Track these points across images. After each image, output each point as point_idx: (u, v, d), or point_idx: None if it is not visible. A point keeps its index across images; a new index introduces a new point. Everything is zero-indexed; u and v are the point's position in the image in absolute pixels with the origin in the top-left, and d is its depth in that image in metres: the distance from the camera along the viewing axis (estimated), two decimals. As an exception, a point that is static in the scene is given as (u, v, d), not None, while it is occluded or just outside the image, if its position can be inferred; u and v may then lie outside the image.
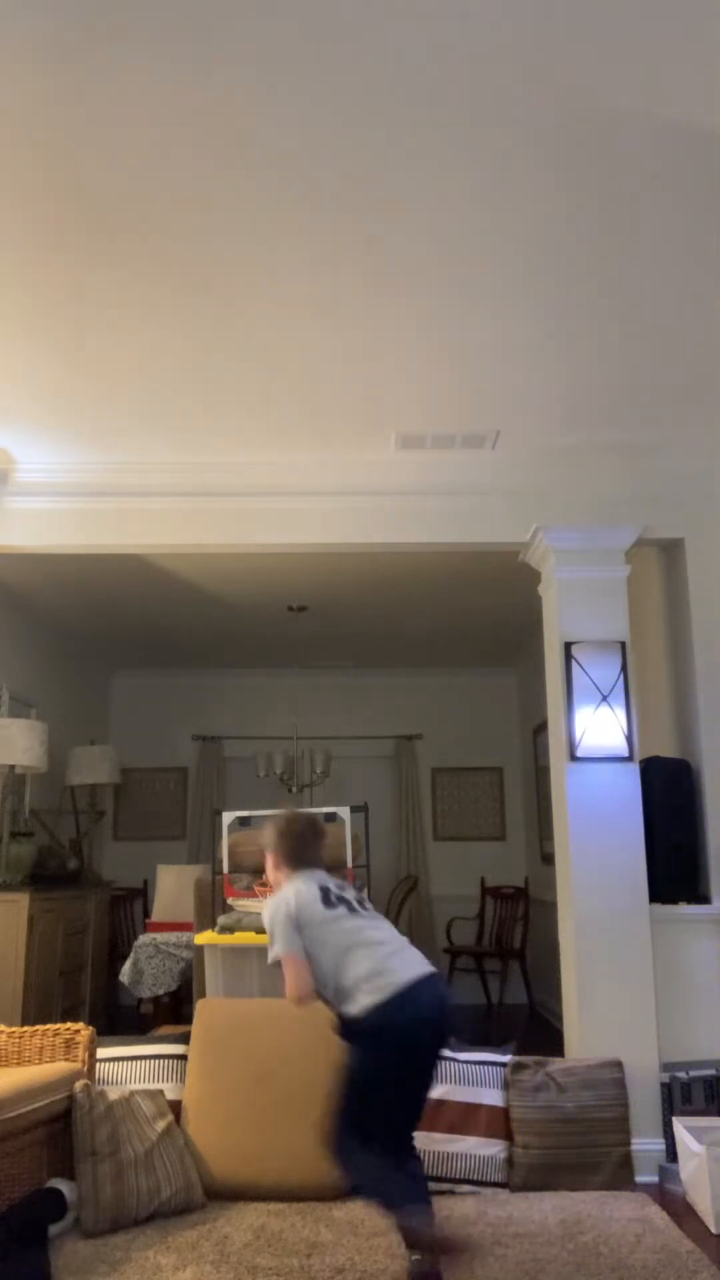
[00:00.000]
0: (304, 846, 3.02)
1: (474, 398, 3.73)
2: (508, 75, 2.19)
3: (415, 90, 2.23)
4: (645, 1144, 3.71)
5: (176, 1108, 3.52)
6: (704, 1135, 3.43)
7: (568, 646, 4.17)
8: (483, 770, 8.50)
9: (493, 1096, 3.54)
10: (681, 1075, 3.79)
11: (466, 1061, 3.61)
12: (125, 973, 5.32)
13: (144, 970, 5.35)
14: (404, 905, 6.65)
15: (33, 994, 4.94)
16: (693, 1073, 3.80)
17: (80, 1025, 3.55)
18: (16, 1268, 2.72)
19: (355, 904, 2.87)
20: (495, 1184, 3.42)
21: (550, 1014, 7.03)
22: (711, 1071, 3.82)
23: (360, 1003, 2.65)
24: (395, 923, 6.26)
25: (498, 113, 2.30)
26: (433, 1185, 3.37)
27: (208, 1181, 3.33)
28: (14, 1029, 3.57)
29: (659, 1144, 3.73)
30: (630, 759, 4.07)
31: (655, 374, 3.55)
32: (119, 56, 2.14)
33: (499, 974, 7.88)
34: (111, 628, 7.05)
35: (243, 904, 4.34)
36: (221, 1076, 3.49)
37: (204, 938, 4.14)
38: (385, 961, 2.71)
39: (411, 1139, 2.79)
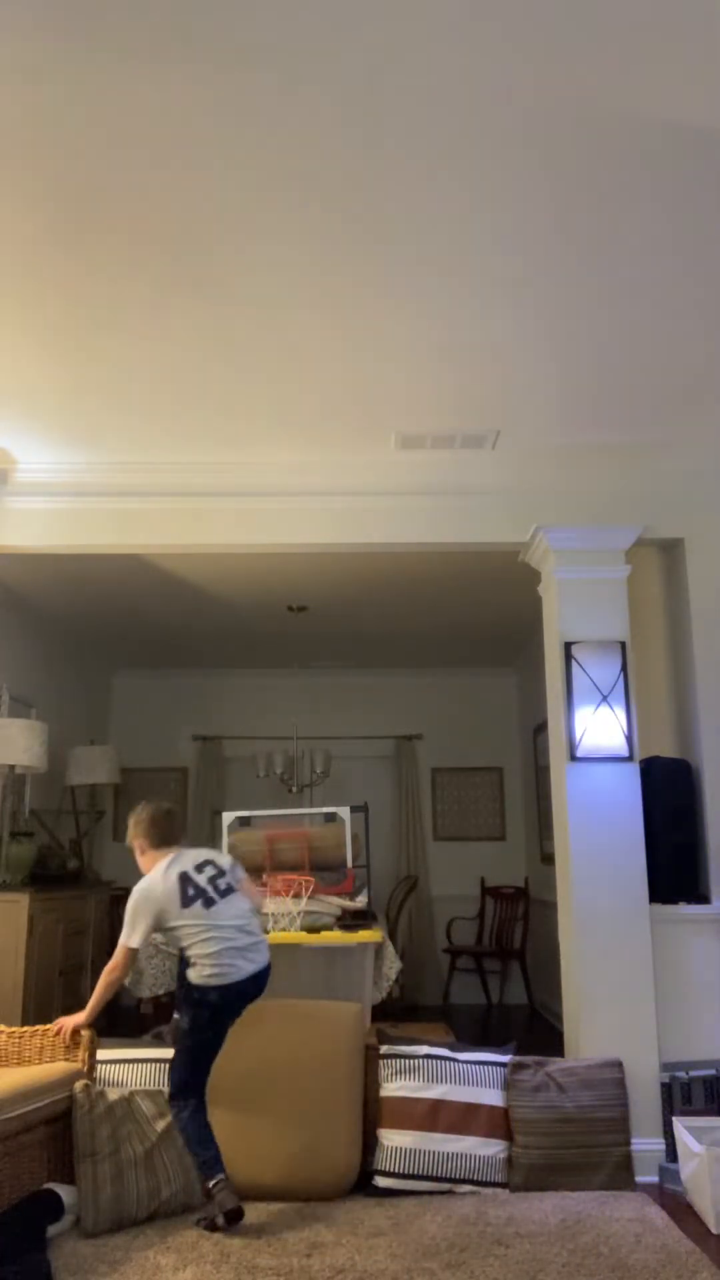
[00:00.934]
0: (164, 829, 3.57)
1: (474, 398, 3.73)
2: (507, 75, 2.19)
3: (414, 89, 2.23)
4: (645, 1144, 3.72)
5: (176, 1108, 3.52)
6: (704, 1135, 3.44)
7: (568, 646, 4.17)
8: (483, 770, 8.50)
9: (493, 1096, 3.54)
10: (681, 1075, 3.79)
11: (466, 1061, 3.61)
12: (125, 973, 5.31)
13: (144, 970, 5.34)
14: (404, 905, 6.66)
15: (32, 994, 4.94)
16: (693, 1073, 3.80)
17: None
18: (16, 1268, 2.72)
19: (213, 892, 3.38)
20: (495, 1184, 3.42)
21: (550, 1014, 7.03)
22: (711, 1071, 3.82)
23: (202, 974, 3.28)
24: (395, 923, 6.27)
25: (497, 113, 2.30)
26: (433, 1185, 3.38)
27: (208, 1181, 3.33)
28: (14, 1029, 3.57)
29: (659, 1144, 3.73)
30: (630, 759, 4.07)
31: (655, 374, 3.55)
32: (117, 58, 2.14)
33: (499, 974, 7.88)
34: (111, 628, 7.05)
35: (243, 904, 4.34)
36: (221, 1077, 3.49)
37: (204, 938, 4.13)
38: (227, 950, 3.30)
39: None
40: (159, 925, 3.34)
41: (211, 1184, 3.08)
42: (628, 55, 2.14)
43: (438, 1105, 3.49)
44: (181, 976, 3.37)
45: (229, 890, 3.41)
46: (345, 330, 3.25)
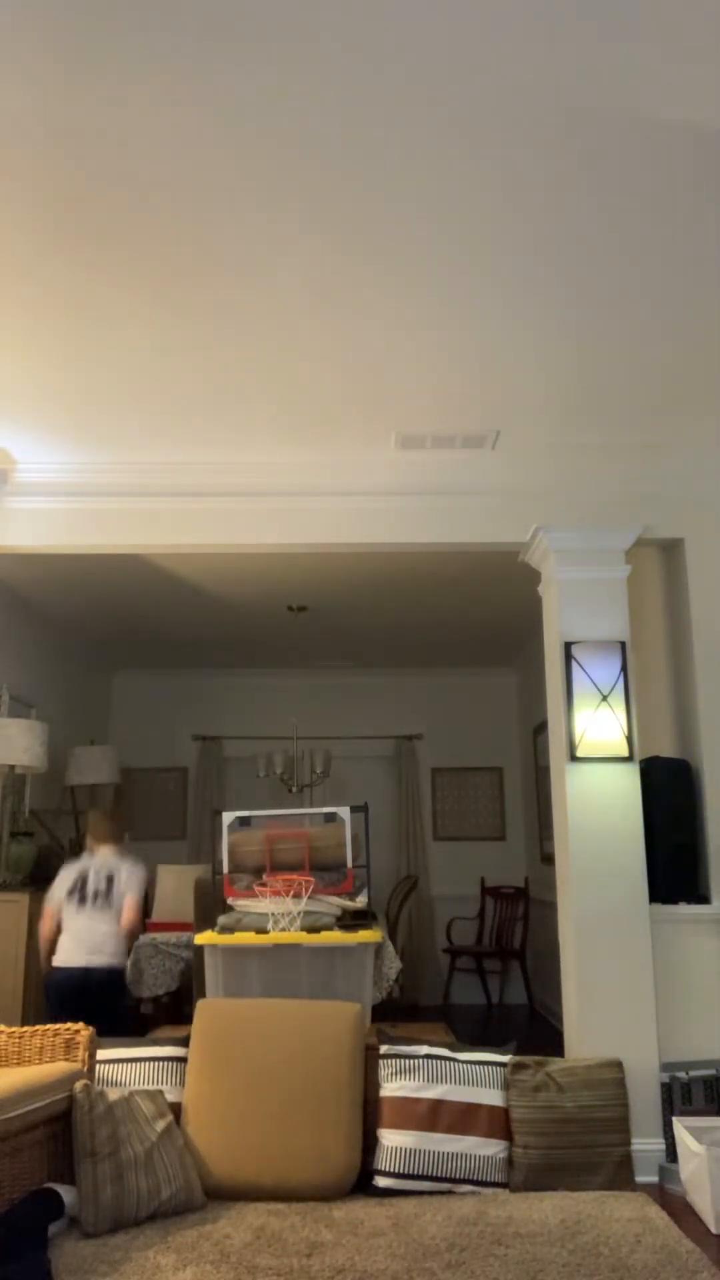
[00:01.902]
0: (97, 829, 4.62)
1: (474, 398, 3.73)
2: (512, 72, 2.19)
3: (417, 88, 2.23)
4: (645, 1144, 3.72)
5: (176, 1109, 3.53)
6: (704, 1135, 3.44)
7: (568, 646, 4.17)
8: (483, 770, 8.50)
9: (493, 1096, 3.54)
10: (681, 1075, 3.79)
11: (466, 1061, 3.61)
12: (125, 972, 5.32)
13: (144, 970, 5.34)
14: (404, 905, 6.65)
15: (33, 994, 4.95)
16: (693, 1073, 3.80)
17: (80, 1025, 3.55)
18: (17, 1268, 2.72)
19: (90, 898, 4.42)
20: (495, 1184, 3.42)
21: (550, 1014, 7.03)
22: (711, 1071, 3.82)
23: (55, 958, 4.37)
24: (395, 923, 6.27)
25: (499, 112, 2.30)
26: (433, 1185, 3.38)
27: (208, 1181, 3.33)
28: (14, 1029, 3.57)
29: (659, 1144, 3.73)
30: (630, 759, 4.07)
31: (655, 374, 3.55)
32: (116, 57, 2.14)
33: (499, 974, 7.88)
34: (111, 628, 7.05)
35: (243, 904, 4.34)
36: (221, 1077, 3.50)
37: (204, 938, 4.15)
38: (71, 938, 4.36)
39: None
40: (55, 898, 4.46)
41: None
42: (628, 56, 2.14)
43: (438, 1105, 3.49)
44: None
45: (105, 905, 4.40)
46: (345, 331, 3.25)
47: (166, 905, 5.94)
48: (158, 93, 2.24)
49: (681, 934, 3.97)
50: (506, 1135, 3.50)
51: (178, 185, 2.54)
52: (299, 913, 4.16)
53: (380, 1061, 3.62)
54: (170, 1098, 3.55)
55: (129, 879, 4.47)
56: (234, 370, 3.51)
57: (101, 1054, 3.65)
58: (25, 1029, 3.58)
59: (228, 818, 4.68)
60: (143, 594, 6.15)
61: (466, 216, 2.67)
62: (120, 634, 7.24)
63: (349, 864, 4.48)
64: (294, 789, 7.40)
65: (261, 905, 4.23)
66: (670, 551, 4.48)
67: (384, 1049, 3.64)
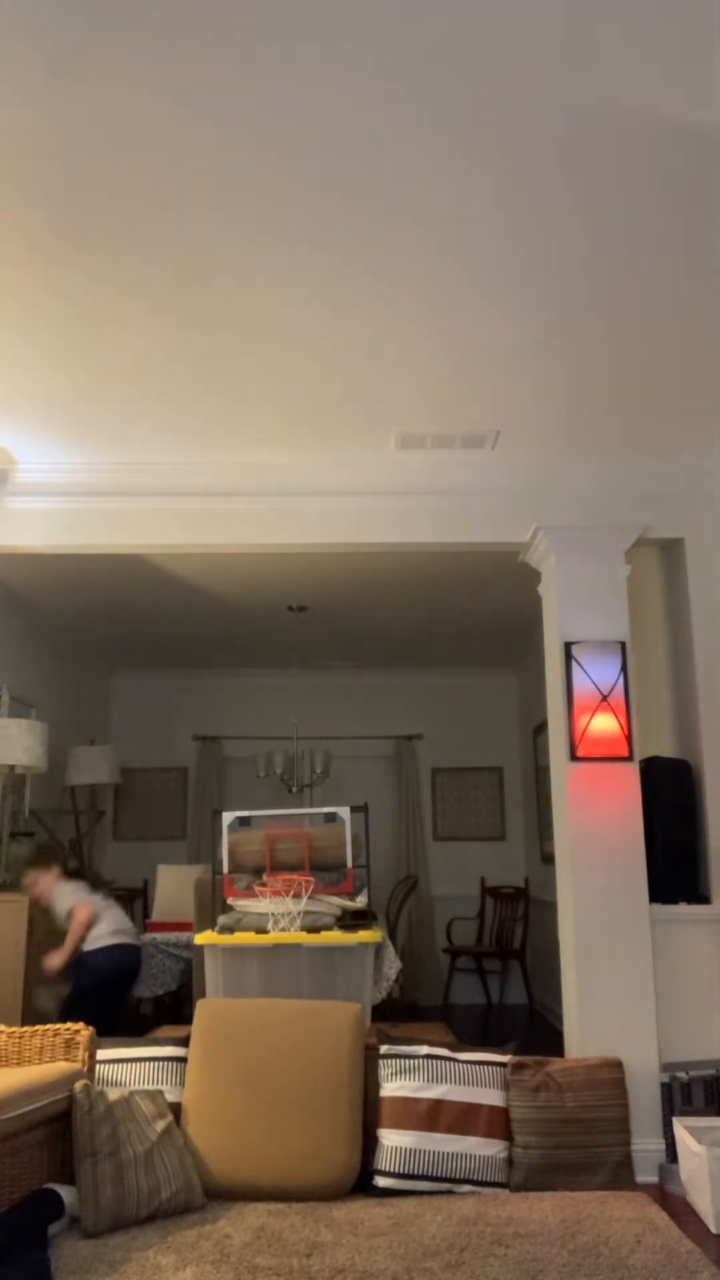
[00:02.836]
0: (43, 877, 5.06)
1: (474, 398, 3.73)
2: (512, 76, 2.19)
3: (414, 92, 2.23)
4: (645, 1144, 3.72)
5: (176, 1109, 3.53)
6: (704, 1135, 3.44)
7: (568, 646, 4.17)
8: (483, 770, 8.50)
9: (493, 1096, 3.54)
10: (681, 1075, 3.79)
11: (466, 1061, 3.61)
12: (125, 972, 5.32)
13: (144, 970, 5.35)
14: (404, 905, 6.65)
15: (33, 994, 4.94)
16: (693, 1073, 3.81)
17: (80, 1025, 3.55)
18: (17, 1268, 2.72)
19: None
20: (495, 1184, 3.42)
21: (550, 1014, 7.03)
22: (711, 1071, 3.82)
23: (113, 939, 4.96)
24: (395, 923, 6.27)
25: (499, 113, 2.30)
26: (433, 1185, 3.38)
27: (208, 1181, 3.33)
28: (14, 1029, 3.57)
29: (659, 1144, 3.73)
30: (630, 759, 4.07)
31: (655, 374, 3.55)
32: (117, 59, 2.14)
33: (499, 974, 7.88)
34: (111, 628, 7.05)
35: (243, 904, 4.34)
36: (221, 1076, 3.49)
37: (204, 938, 4.15)
38: (123, 925, 5.00)
39: None
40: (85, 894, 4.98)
41: None
42: (635, 55, 2.14)
43: (438, 1105, 3.49)
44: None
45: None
46: (345, 331, 3.25)
47: (166, 905, 5.94)
48: (158, 95, 2.24)
49: (681, 934, 3.97)
50: (506, 1135, 3.50)
51: (179, 188, 2.54)
52: (299, 913, 4.16)
53: (380, 1061, 3.61)
54: (170, 1098, 3.55)
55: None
56: (234, 370, 3.51)
57: (101, 1054, 3.65)
58: (25, 1029, 3.58)
59: (228, 818, 4.68)
60: (143, 594, 6.15)
61: (465, 217, 2.67)
62: (120, 634, 7.25)
63: (349, 864, 4.48)
64: (294, 789, 7.40)
65: (261, 905, 4.23)
66: (670, 551, 4.48)
67: (384, 1049, 3.64)
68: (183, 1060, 3.65)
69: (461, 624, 6.98)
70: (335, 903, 4.35)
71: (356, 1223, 3.10)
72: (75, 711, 7.53)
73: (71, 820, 7.14)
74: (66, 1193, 3.13)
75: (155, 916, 5.96)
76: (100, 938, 4.86)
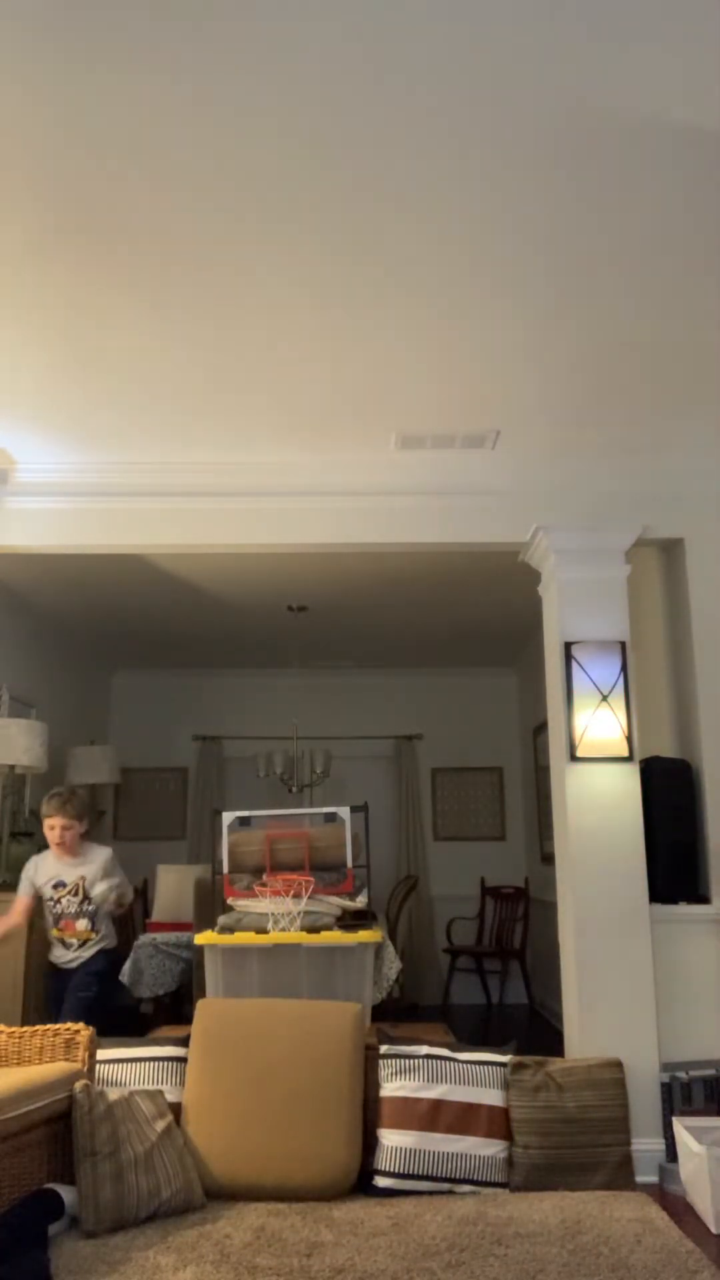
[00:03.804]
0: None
1: (474, 398, 3.73)
2: (510, 75, 2.19)
3: (415, 93, 2.23)
4: (645, 1144, 3.72)
5: (176, 1110, 3.53)
6: (704, 1135, 3.44)
7: (568, 646, 4.17)
8: (483, 770, 8.50)
9: (493, 1096, 3.54)
10: (681, 1075, 3.79)
11: (466, 1061, 3.61)
12: (125, 973, 5.32)
13: (144, 970, 5.35)
14: (404, 905, 6.65)
15: (33, 994, 4.94)
16: (693, 1073, 3.80)
17: (80, 1025, 3.55)
18: (17, 1268, 2.72)
19: None
20: (495, 1184, 3.42)
21: (550, 1014, 7.03)
22: (711, 1071, 3.82)
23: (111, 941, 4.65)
24: (395, 923, 6.27)
25: (498, 111, 2.30)
26: (433, 1185, 3.38)
27: (208, 1181, 3.33)
28: (14, 1029, 3.57)
29: (659, 1144, 3.73)
30: (630, 759, 4.07)
31: (655, 374, 3.55)
32: (113, 58, 2.14)
33: (499, 974, 7.88)
34: (111, 628, 7.05)
35: (243, 904, 4.34)
36: (221, 1077, 3.50)
37: (204, 938, 4.15)
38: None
39: None
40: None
41: None
42: (628, 56, 2.14)
43: (438, 1105, 3.49)
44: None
45: None
46: (345, 331, 3.25)
47: (166, 905, 5.94)
48: (159, 93, 2.24)
49: (681, 934, 3.97)
50: (506, 1135, 3.50)
51: (179, 187, 2.54)
52: (299, 913, 4.16)
53: (380, 1061, 3.62)
54: (170, 1098, 3.55)
55: None
56: (234, 370, 3.51)
57: (101, 1054, 3.65)
58: (25, 1029, 3.58)
59: (228, 818, 4.68)
60: (143, 594, 6.15)
61: (466, 217, 2.67)
62: (120, 634, 7.24)
63: (349, 864, 4.48)
64: (294, 789, 7.39)
65: (261, 905, 4.23)
66: (670, 551, 4.48)
67: (384, 1049, 3.64)
68: (183, 1060, 3.65)
69: (461, 624, 6.98)
70: (335, 903, 4.35)
71: (356, 1223, 3.10)
72: (75, 711, 7.53)
73: (71, 820, 7.13)
74: (67, 1193, 3.14)
75: (155, 916, 5.95)
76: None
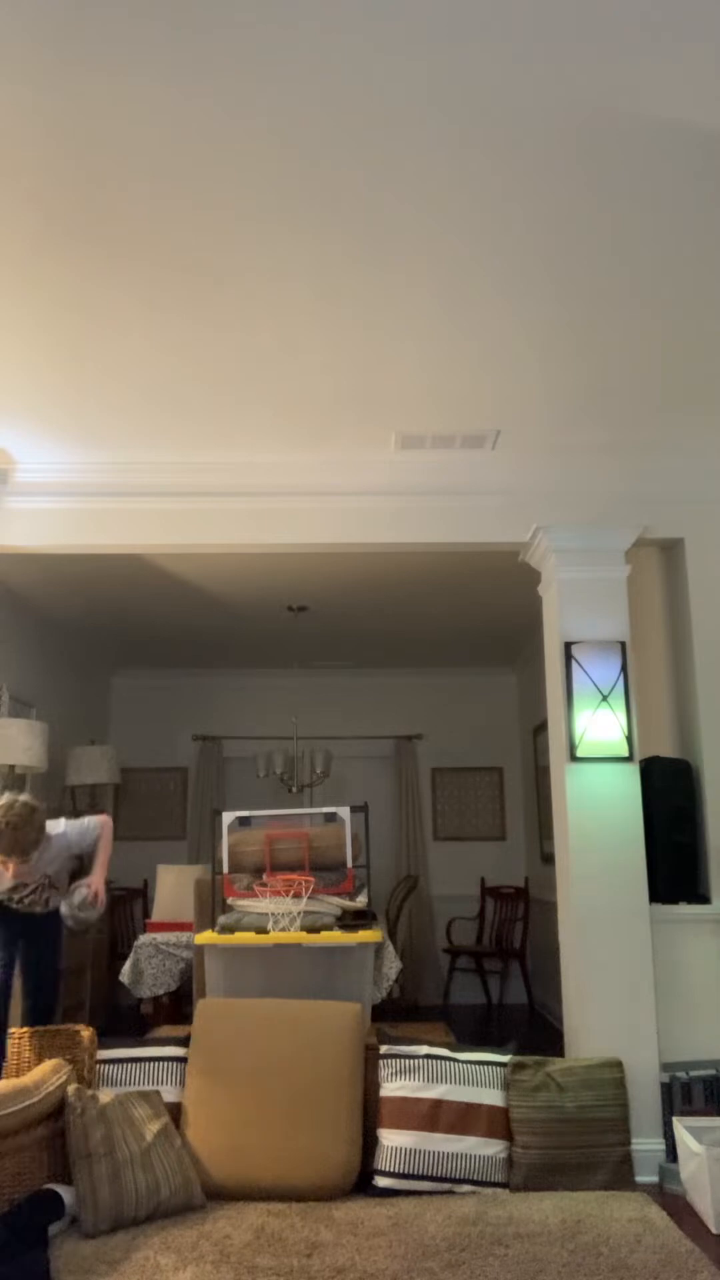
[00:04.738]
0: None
1: (474, 398, 3.73)
2: (510, 76, 2.19)
3: (417, 92, 2.23)
4: (645, 1144, 3.72)
5: (176, 1110, 3.53)
6: (704, 1135, 3.44)
7: (568, 646, 4.17)
8: (483, 770, 8.50)
9: (493, 1096, 3.54)
10: (681, 1075, 3.79)
11: (466, 1061, 3.61)
12: (125, 973, 5.32)
13: (144, 970, 5.35)
14: (404, 905, 6.65)
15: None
16: (693, 1073, 3.80)
17: (80, 1026, 3.55)
18: (18, 1268, 2.72)
19: None
20: (495, 1184, 3.42)
21: (550, 1014, 7.03)
22: (711, 1071, 3.82)
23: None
24: (395, 923, 6.27)
25: (498, 113, 2.30)
26: (433, 1185, 3.38)
27: (207, 1181, 3.33)
28: (13, 1029, 3.57)
29: (659, 1144, 3.73)
30: (630, 759, 4.07)
31: (655, 374, 3.55)
32: (115, 58, 2.14)
33: (499, 974, 7.88)
34: (111, 628, 7.05)
35: (243, 904, 4.34)
36: (221, 1077, 3.50)
37: (204, 938, 4.14)
38: None
39: None
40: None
41: None
42: (628, 55, 2.14)
43: (438, 1105, 3.49)
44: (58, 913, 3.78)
45: None
46: (345, 331, 3.25)
47: (166, 905, 5.94)
48: (159, 93, 2.24)
49: (681, 934, 3.97)
50: (506, 1135, 3.49)
51: (178, 186, 2.54)
52: (299, 913, 4.16)
53: (380, 1061, 3.62)
54: (170, 1098, 3.55)
55: None
56: (234, 370, 3.51)
57: (101, 1054, 3.65)
58: (25, 1029, 3.58)
59: (228, 818, 4.68)
60: (143, 594, 6.15)
61: (466, 217, 2.67)
62: (120, 634, 7.24)
63: (349, 864, 4.47)
64: (294, 789, 7.39)
65: (261, 905, 4.23)
66: (670, 551, 4.48)
67: (384, 1049, 3.64)
68: (183, 1060, 3.65)
69: (462, 624, 6.98)
70: (335, 903, 4.35)
71: (356, 1223, 3.10)
72: (75, 711, 7.53)
73: (71, 820, 7.13)
74: (67, 1193, 3.14)
75: (155, 916, 5.95)
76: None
